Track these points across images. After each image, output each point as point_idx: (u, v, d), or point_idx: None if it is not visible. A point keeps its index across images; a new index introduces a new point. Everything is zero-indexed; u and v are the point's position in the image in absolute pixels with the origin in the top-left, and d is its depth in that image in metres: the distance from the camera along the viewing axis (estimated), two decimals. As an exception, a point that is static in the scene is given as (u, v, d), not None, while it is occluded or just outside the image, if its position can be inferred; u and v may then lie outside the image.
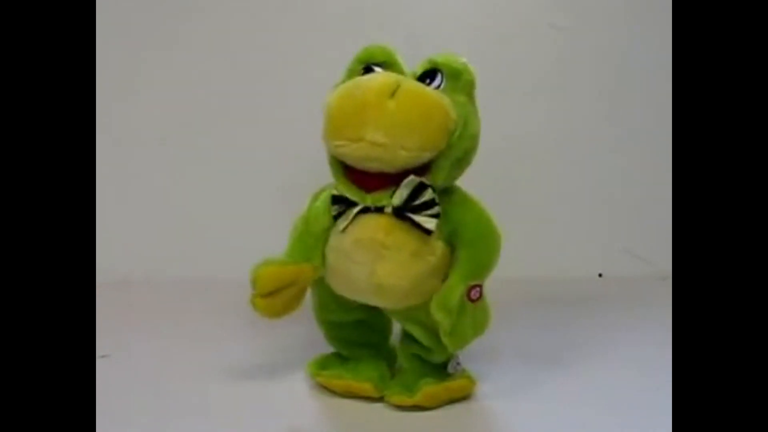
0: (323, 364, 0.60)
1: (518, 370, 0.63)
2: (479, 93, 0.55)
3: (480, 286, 0.53)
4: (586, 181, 1.01)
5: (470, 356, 0.59)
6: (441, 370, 0.57)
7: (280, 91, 0.95)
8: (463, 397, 0.57)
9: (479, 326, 0.55)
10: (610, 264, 1.00)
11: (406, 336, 0.59)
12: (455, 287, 0.52)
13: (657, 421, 0.53)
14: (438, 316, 0.51)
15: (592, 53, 0.99)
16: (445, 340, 0.52)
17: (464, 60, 0.54)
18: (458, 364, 0.57)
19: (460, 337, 0.53)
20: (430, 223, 0.52)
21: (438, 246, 0.53)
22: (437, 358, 0.56)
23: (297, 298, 0.56)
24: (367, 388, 0.56)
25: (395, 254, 0.52)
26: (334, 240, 0.55)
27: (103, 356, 0.64)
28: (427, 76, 0.53)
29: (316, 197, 0.58)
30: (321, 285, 0.58)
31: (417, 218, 0.51)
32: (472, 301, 0.53)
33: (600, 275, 1.00)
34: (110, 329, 0.69)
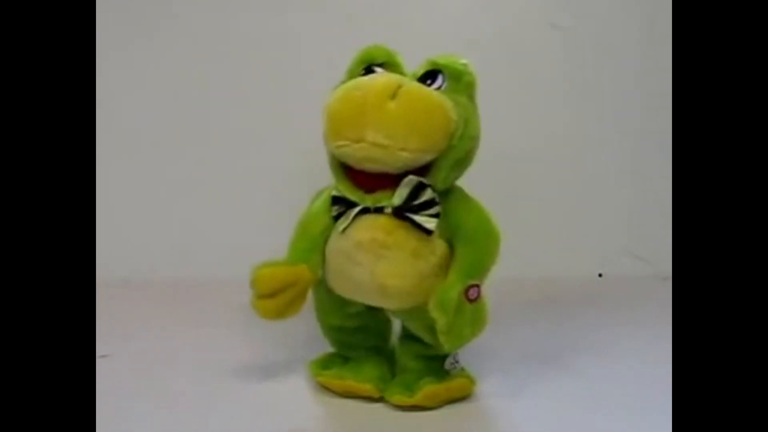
0: (324, 363, 0.60)
1: (518, 370, 0.63)
2: (479, 93, 0.55)
3: (478, 286, 0.53)
4: (587, 181, 1.01)
5: (470, 356, 0.59)
6: (441, 369, 0.57)
7: (280, 91, 0.95)
8: (463, 396, 0.57)
9: (477, 326, 0.54)
10: (610, 264, 1.00)
11: (407, 336, 0.59)
12: (453, 286, 0.52)
13: (657, 421, 0.53)
14: (435, 314, 0.51)
15: (592, 53, 0.99)
16: (441, 339, 0.52)
17: (465, 61, 0.54)
18: (456, 362, 0.57)
19: (457, 337, 0.52)
20: (430, 223, 0.52)
21: (439, 245, 0.53)
22: (438, 353, 0.56)
23: (298, 300, 0.56)
24: (367, 388, 0.56)
25: (396, 254, 0.52)
26: (335, 241, 0.55)
27: (103, 356, 0.64)
28: (428, 77, 0.53)
29: (315, 198, 0.58)
30: (322, 288, 0.58)
31: (417, 218, 0.51)
32: (471, 301, 0.52)
33: (600, 275, 1.00)
34: (110, 329, 0.69)
